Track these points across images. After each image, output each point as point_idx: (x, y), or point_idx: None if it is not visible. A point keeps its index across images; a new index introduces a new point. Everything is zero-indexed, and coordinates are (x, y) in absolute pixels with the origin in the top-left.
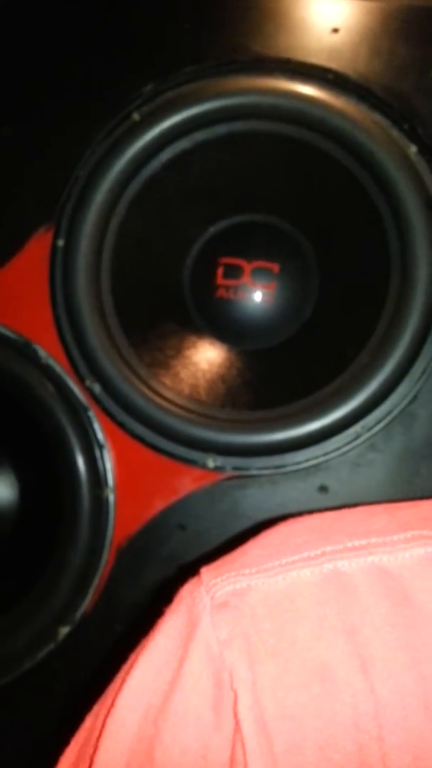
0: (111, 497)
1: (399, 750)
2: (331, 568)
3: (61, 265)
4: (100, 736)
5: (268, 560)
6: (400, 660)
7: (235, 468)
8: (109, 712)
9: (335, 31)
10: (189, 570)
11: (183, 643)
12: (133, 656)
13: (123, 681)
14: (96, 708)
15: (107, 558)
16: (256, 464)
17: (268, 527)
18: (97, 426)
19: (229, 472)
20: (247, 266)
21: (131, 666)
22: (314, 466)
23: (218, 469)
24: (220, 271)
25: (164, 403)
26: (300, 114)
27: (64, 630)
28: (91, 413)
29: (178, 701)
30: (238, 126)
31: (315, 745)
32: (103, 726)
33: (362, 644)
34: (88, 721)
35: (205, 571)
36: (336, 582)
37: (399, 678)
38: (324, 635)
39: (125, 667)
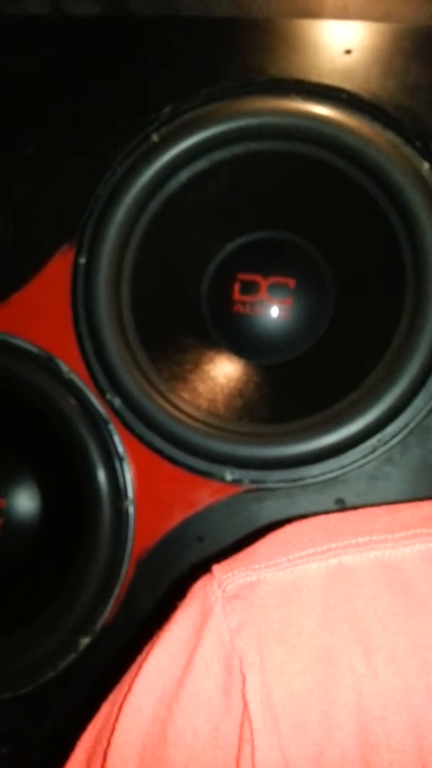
0: (131, 509)
1: (402, 729)
2: (335, 562)
3: (83, 282)
4: (116, 719)
5: (276, 556)
6: (402, 645)
7: (253, 481)
8: (125, 697)
9: (348, 52)
10: (201, 569)
11: (196, 632)
12: (148, 646)
13: (139, 668)
14: (112, 696)
15: (127, 569)
16: (274, 477)
17: (275, 529)
18: (117, 439)
19: (247, 485)
20: (264, 282)
21: (147, 654)
22: (331, 479)
23: (236, 482)
24: (237, 286)
25: (183, 417)
26: (315, 133)
27: (85, 641)
28: (112, 426)
29: (190, 686)
30: (255, 146)
31: (319, 725)
32: (119, 710)
33: (365, 632)
34: (105, 708)
35: (217, 568)
36: (340, 575)
37: (401, 662)
38: (329, 624)
39: (141, 656)
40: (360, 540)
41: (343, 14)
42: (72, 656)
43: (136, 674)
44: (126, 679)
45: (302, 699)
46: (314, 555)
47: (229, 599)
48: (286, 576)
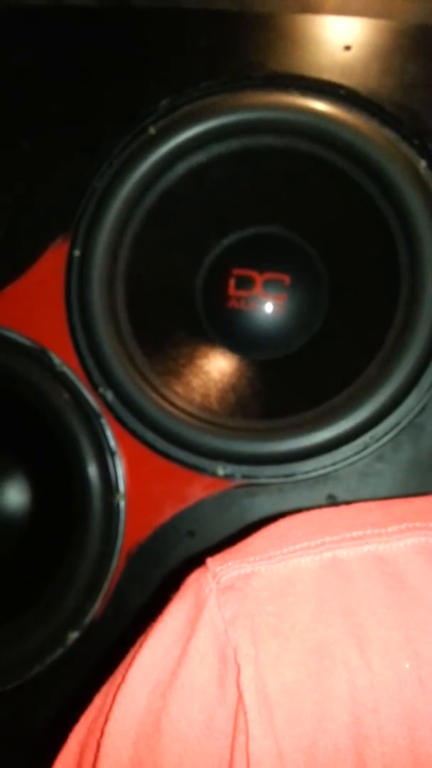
0: (122, 503)
1: (394, 722)
2: (329, 556)
3: (77, 275)
4: (110, 710)
5: (271, 549)
6: (395, 638)
7: (245, 476)
8: (119, 688)
9: (347, 48)
10: (194, 562)
11: (190, 623)
12: (142, 638)
13: (133, 659)
14: (105, 687)
15: (117, 564)
16: (266, 473)
17: (267, 524)
18: (109, 433)
19: (239, 481)
20: (259, 278)
21: (140, 646)
22: (323, 475)
23: (228, 477)
24: (232, 282)
25: (176, 412)
26: (312, 129)
27: (74, 635)
28: (104, 420)
29: (184, 676)
30: (252, 140)
31: (313, 717)
32: (113, 701)
33: (359, 625)
34: (98, 700)
35: (211, 561)
36: (334, 568)
37: (394, 655)
38: (323, 617)
39: (135, 648)
40: (354, 534)
41: (343, 10)
42: (60, 651)
43: (130, 665)
44: (119, 670)
45: (296, 691)
46: (308, 548)
47: (223, 590)
48: (280, 569)
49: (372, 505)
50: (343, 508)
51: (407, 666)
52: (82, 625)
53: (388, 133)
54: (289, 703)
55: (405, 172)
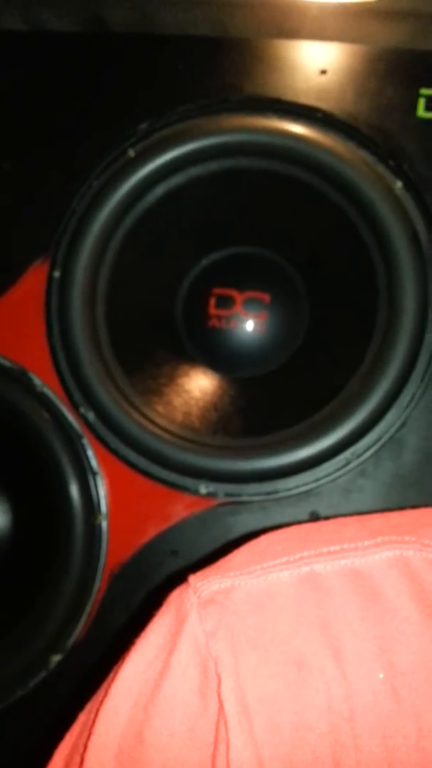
0: (104, 524)
1: (369, 731)
2: (307, 570)
3: (57, 296)
4: (93, 724)
5: (251, 564)
6: (370, 649)
7: (227, 494)
8: (101, 702)
9: (323, 72)
10: (177, 580)
11: (172, 637)
12: (125, 653)
13: (115, 674)
14: (89, 704)
15: (100, 585)
16: (248, 490)
17: (249, 540)
18: (90, 453)
19: (222, 499)
20: (239, 296)
21: (123, 661)
22: (305, 492)
23: (210, 495)
24: (212, 301)
25: (157, 431)
26: (290, 151)
27: (56, 658)
28: (85, 441)
29: (167, 689)
30: (231, 162)
31: (291, 726)
32: (96, 716)
33: (335, 636)
34: (82, 716)
35: (193, 577)
36: (312, 582)
37: (369, 665)
38: (300, 629)
39: (118, 664)
40: (331, 548)
41: (319, 35)
42: (43, 674)
43: (113, 680)
44: (102, 686)
45: (275, 701)
46: (287, 563)
47: (204, 604)
48: (259, 583)
49: (349, 519)
50: (321, 524)
51: (381, 676)
52: (65, 647)
53: (365, 155)
54: (268, 712)
55: (381, 192)
